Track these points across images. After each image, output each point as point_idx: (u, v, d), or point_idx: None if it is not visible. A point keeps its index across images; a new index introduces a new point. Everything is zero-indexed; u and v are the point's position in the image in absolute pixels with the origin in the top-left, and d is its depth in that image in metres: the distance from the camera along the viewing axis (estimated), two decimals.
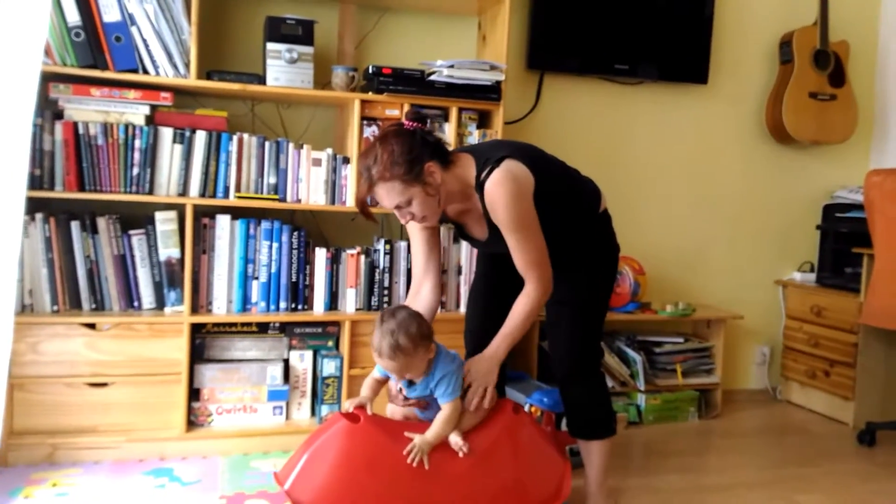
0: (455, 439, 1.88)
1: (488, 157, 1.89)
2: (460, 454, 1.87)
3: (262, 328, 2.60)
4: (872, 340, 3.11)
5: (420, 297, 2.11)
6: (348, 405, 1.93)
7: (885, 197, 2.78)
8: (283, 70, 2.52)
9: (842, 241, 3.38)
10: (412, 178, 1.82)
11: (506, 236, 1.89)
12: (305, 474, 1.82)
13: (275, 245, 2.56)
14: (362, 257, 2.66)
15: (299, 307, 2.61)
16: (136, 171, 2.39)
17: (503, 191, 1.84)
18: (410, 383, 1.93)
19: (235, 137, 2.49)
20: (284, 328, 2.62)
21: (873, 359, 3.13)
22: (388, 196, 1.85)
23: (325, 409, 2.60)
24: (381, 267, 2.68)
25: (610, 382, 2.92)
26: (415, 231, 2.10)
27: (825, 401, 3.30)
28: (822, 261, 3.51)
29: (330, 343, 2.67)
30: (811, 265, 3.61)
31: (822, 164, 3.65)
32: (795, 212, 3.63)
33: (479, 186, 1.88)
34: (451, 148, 2.02)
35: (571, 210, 2.05)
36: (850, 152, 3.66)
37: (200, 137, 2.45)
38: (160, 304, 2.49)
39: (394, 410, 2.05)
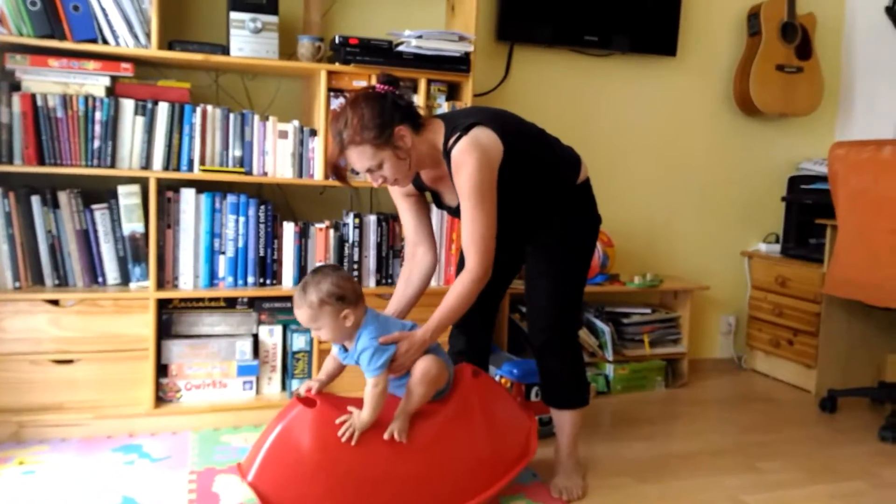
0: (391, 428, 1.83)
1: (458, 123, 1.89)
2: (398, 439, 1.83)
3: (230, 303, 2.58)
4: (835, 310, 3.18)
5: (416, 261, 2.14)
6: (301, 389, 1.91)
7: (848, 169, 2.82)
8: (248, 40, 2.47)
9: (806, 212, 3.44)
10: (382, 142, 1.82)
11: (461, 204, 1.87)
12: (267, 464, 1.79)
13: (241, 219, 2.53)
14: (331, 231, 2.64)
15: (268, 282, 2.59)
16: (97, 143, 2.34)
17: (468, 158, 1.83)
18: (345, 350, 1.91)
19: (199, 109, 2.44)
20: (253, 303, 2.60)
21: (835, 328, 3.20)
22: (359, 159, 1.85)
23: (295, 384, 2.60)
24: (351, 241, 2.66)
25: None
26: (399, 199, 2.12)
27: (789, 369, 3.37)
28: (787, 232, 3.57)
29: None
30: (776, 236, 3.67)
31: (788, 136, 3.69)
32: (761, 183, 3.68)
33: (447, 153, 1.88)
34: (422, 114, 2.00)
35: (548, 179, 2.04)
36: (815, 125, 3.70)
37: (163, 109, 2.40)
38: (125, 279, 2.45)
39: None
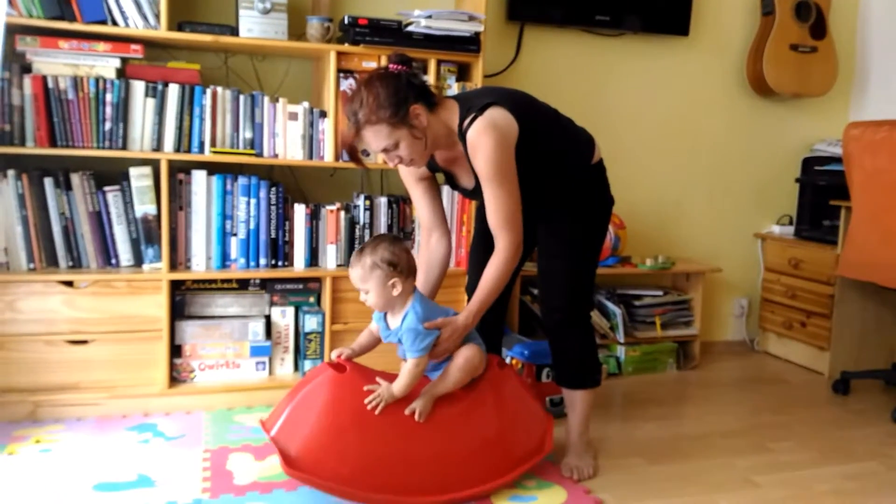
0: (413, 405, 1.86)
1: (472, 104, 1.88)
2: (417, 419, 1.85)
3: (243, 285, 2.60)
4: (848, 292, 3.15)
5: (432, 247, 2.14)
6: (334, 355, 1.96)
7: (863, 150, 2.79)
8: (257, 21, 2.46)
9: (820, 193, 3.40)
10: (398, 121, 1.81)
11: (483, 187, 1.88)
12: (291, 422, 1.84)
13: (253, 201, 2.53)
14: (342, 213, 2.64)
15: (279, 263, 2.60)
16: (108, 125, 2.35)
17: (484, 140, 1.82)
18: (387, 328, 1.94)
19: (209, 91, 2.45)
20: (265, 284, 2.61)
21: (849, 310, 3.18)
22: (375, 139, 1.84)
23: (307, 364, 2.61)
24: (362, 223, 2.66)
25: None
26: (412, 183, 2.11)
27: (801, 351, 3.36)
28: (801, 214, 3.53)
29: (311, 299, 2.67)
30: (790, 218, 3.64)
31: (801, 116, 3.65)
32: (775, 165, 3.64)
33: (462, 134, 1.87)
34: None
35: (561, 160, 2.03)
36: (829, 105, 3.66)
37: (173, 91, 2.40)
38: (138, 261, 2.47)
39: None
